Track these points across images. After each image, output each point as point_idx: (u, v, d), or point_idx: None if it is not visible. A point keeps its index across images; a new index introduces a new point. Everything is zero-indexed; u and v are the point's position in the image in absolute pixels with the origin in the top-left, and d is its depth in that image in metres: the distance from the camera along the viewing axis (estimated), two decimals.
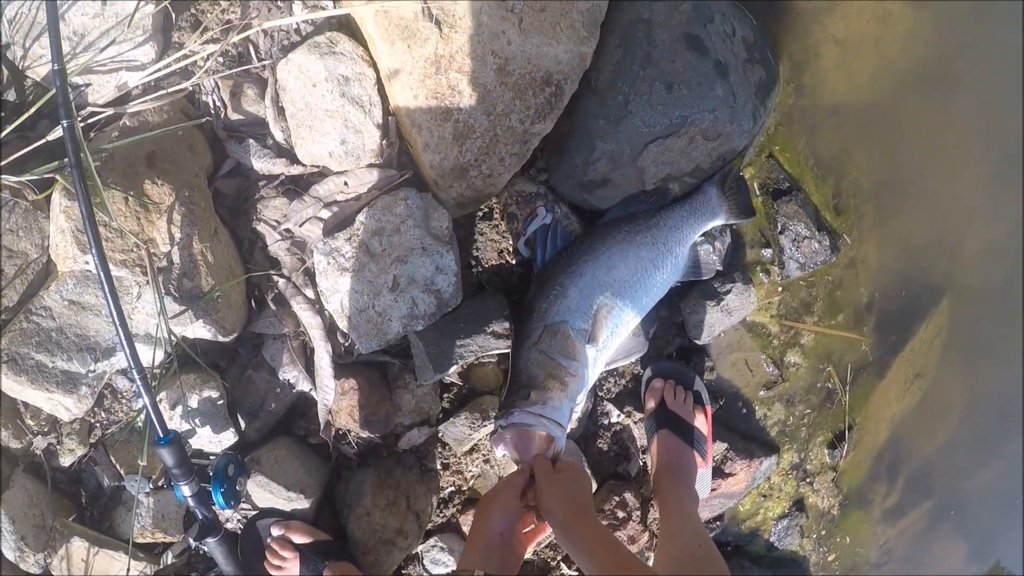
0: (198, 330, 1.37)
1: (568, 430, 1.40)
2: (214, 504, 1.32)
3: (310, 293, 1.43)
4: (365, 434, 1.47)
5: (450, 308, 1.38)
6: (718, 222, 1.62)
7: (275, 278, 1.45)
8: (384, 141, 1.39)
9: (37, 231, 1.38)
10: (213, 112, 1.40)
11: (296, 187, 1.42)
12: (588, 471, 1.43)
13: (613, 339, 1.50)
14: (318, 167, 1.42)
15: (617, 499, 1.60)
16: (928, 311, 1.99)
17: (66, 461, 1.51)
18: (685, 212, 1.59)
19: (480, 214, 1.52)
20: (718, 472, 1.73)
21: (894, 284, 1.95)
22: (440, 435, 1.52)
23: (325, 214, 1.42)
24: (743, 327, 1.78)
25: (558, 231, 1.52)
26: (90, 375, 1.39)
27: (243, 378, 1.46)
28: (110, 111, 1.30)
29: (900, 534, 2.11)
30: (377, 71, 1.34)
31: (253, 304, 1.47)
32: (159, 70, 1.33)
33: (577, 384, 1.41)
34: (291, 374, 1.45)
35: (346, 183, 1.41)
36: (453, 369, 1.44)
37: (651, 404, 1.61)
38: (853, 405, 1.92)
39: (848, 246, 1.84)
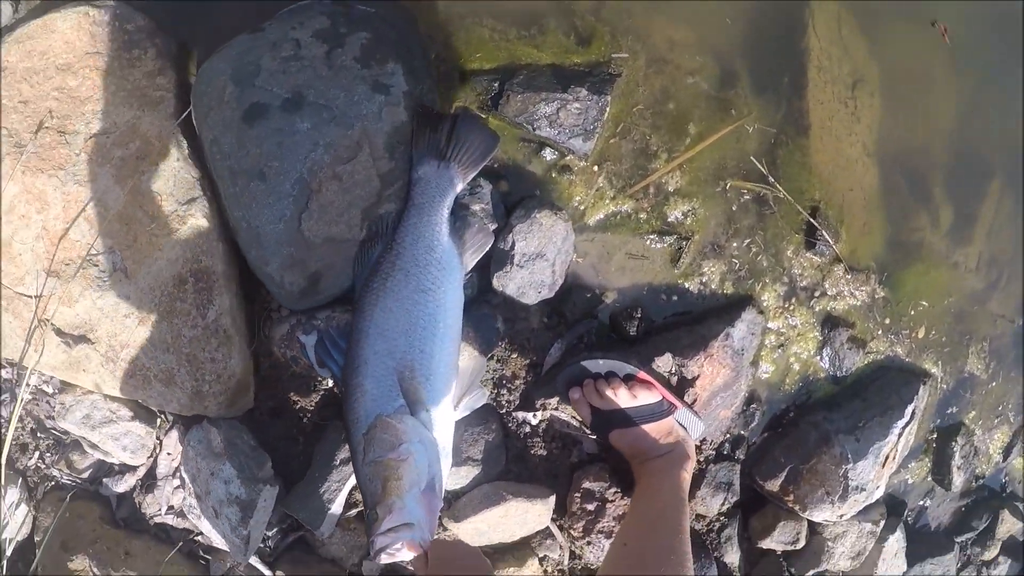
0: None
1: (439, 503, 1.26)
2: None
3: None
4: None
5: (256, 502, 1.35)
6: (454, 192, 1.33)
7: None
8: (158, 419, 1.44)
9: None
10: (74, 484, 1.56)
11: (153, 480, 1.52)
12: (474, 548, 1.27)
13: (440, 388, 1.32)
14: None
15: (578, 494, 1.39)
16: (799, 14, 1.41)
17: None
18: (413, 217, 1.33)
19: (271, 376, 1.45)
20: (684, 383, 1.40)
21: (727, 33, 1.41)
22: None
23: (176, 483, 1.49)
24: (594, 233, 1.44)
25: (333, 337, 1.39)
26: None
27: None
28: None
29: (989, 234, 1.49)
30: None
31: None
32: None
33: (414, 463, 1.26)
34: None
35: (168, 453, 1.47)
36: (334, 512, 1.39)
37: (585, 413, 1.38)
38: (796, 185, 1.44)
39: (628, 58, 1.39)
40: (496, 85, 1.38)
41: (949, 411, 1.57)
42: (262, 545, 1.48)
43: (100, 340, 1.32)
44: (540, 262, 1.36)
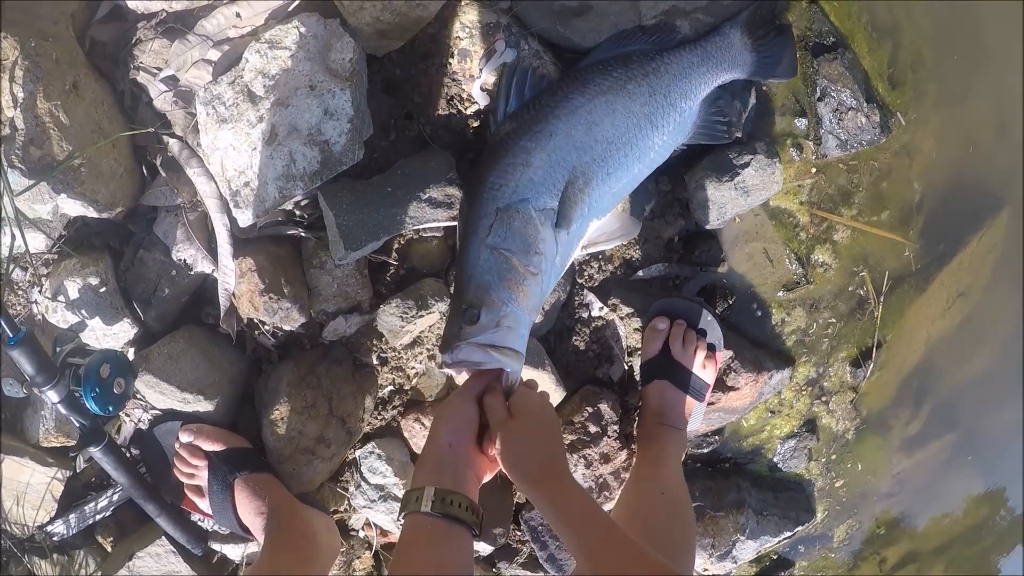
0: (72, 207, 1.00)
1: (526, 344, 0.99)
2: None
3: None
4: (282, 324, 1.08)
5: (343, 166, 0.96)
6: (737, 74, 1.14)
7: (166, 139, 1.03)
8: None
9: None
10: None
11: (181, 25, 0.99)
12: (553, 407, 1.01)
13: (590, 218, 1.07)
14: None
15: (590, 410, 1.21)
16: (984, 221, 1.50)
17: None
18: (696, 57, 1.11)
19: (424, 50, 1.06)
20: (720, 385, 1.32)
21: (950, 183, 1.45)
22: (375, 324, 1.12)
23: (215, 55, 0.99)
24: (764, 212, 1.32)
25: (527, 76, 1.06)
26: None
27: (135, 260, 1.08)
28: None
29: (917, 465, 1.70)
30: None
31: (145, 172, 1.07)
32: None
33: (540, 283, 0.99)
34: (187, 253, 1.06)
35: (238, 14, 0.98)
36: (373, 245, 1.02)
37: (653, 348, 1.21)
38: (886, 319, 1.47)
39: (902, 128, 1.33)
40: (832, 40, 1.21)
41: (799, 549, 1.68)
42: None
43: None
44: (741, 198, 1.20)
